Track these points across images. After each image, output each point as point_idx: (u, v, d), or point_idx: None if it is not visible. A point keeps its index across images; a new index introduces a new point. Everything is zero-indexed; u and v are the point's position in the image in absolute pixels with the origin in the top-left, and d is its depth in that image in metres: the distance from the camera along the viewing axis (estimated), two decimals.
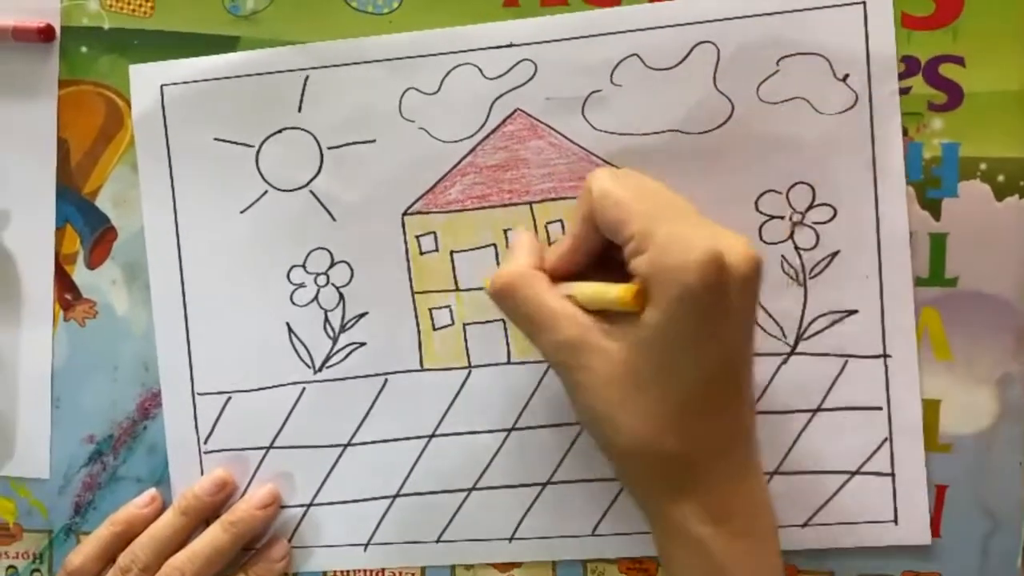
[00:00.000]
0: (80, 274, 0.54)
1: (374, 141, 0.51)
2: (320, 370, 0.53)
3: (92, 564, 0.52)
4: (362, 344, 0.52)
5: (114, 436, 0.55)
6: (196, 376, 0.53)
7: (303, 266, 0.53)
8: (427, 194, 0.51)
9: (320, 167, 0.52)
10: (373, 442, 0.52)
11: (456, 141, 0.51)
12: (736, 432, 0.42)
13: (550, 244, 0.51)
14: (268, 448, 0.53)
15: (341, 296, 0.52)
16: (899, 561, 0.50)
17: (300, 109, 0.52)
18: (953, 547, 0.50)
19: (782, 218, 0.49)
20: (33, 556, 0.56)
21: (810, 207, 0.49)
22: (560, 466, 0.51)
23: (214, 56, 0.52)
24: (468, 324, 0.52)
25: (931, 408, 0.49)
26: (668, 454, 0.40)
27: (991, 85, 0.48)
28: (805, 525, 0.50)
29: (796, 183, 0.49)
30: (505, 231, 0.51)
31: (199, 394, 0.53)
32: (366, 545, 0.53)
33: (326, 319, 0.53)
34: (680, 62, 0.49)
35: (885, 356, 0.49)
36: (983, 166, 0.48)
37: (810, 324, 0.50)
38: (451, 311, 0.52)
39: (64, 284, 0.55)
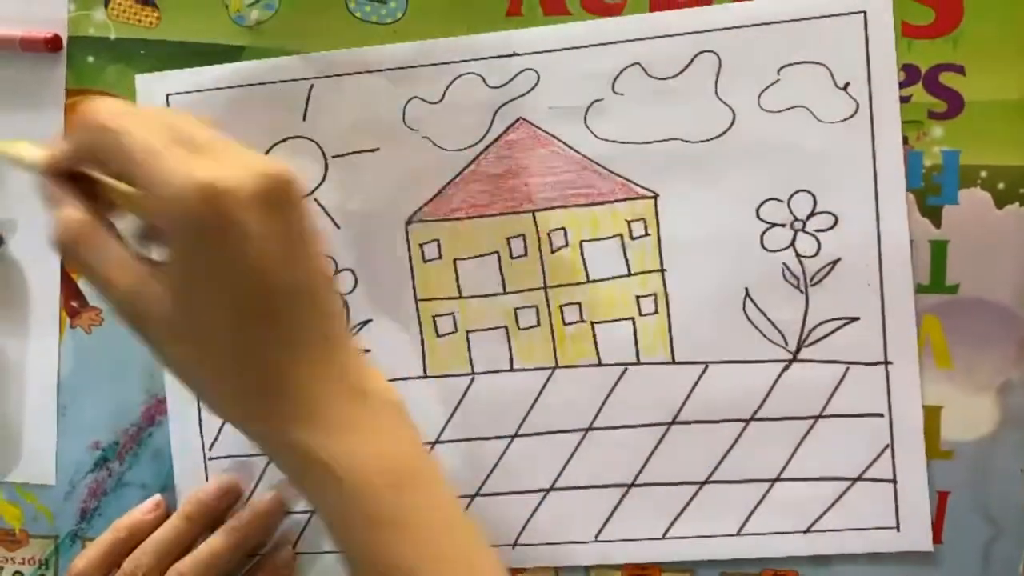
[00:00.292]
0: (86, 282, 0.55)
1: (378, 150, 0.52)
2: None
3: (96, 569, 0.52)
4: (366, 351, 0.53)
5: (120, 443, 0.55)
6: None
7: None
8: (430, 202, 0.52)
9: (324, 175, 0.52)
10: None
11: (459, 150, 0.51)
12: (316, 343, 0.38)
13: (552, 252, 0.51)
14: None
15: (345, 303, 0.53)
16: (901, 568, 0.50)
17: (305, 118, 0.52)
18: (955, 554, 0.50)
19: (783, 226, 0.50)
20: (39, 562, 0.56)
21: (811, 215, 0.49)
22: (563, 472, 0.52)
23: (219, 66, 0.52)
24: (471, 331, 0.52)
25: (932, 415, 0.49)
26: (260, 411, 0.38)
27: (991, 94, 0.48)
28: (807, 531, 0.50)
29: (797, 191, 0.49)
30: (508, 239, 0.51)
31: None
32: None
33: None
34: (682, 71, 0.50)
35: (886, 363, 0.49)
36: (983, 174, 0.49)
37: (811, 331, 0.50)
38: (454, 318, 0.52)
39: (70, 292, 0.55)
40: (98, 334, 0.55)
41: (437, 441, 0.52)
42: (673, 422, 0.51)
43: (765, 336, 0.50)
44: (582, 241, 0.51)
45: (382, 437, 0.39)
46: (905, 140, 0.49)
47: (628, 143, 0.50)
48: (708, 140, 0.50)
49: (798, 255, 0.50)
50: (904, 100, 0.49)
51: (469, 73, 0.51)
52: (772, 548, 0.50)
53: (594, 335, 0.51)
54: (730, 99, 0.49)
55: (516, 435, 0.52)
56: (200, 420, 0.54)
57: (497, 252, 0.52)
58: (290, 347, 0.38)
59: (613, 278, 0.51)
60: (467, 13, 0.51)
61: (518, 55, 0.50)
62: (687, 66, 0.50)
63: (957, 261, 0.49)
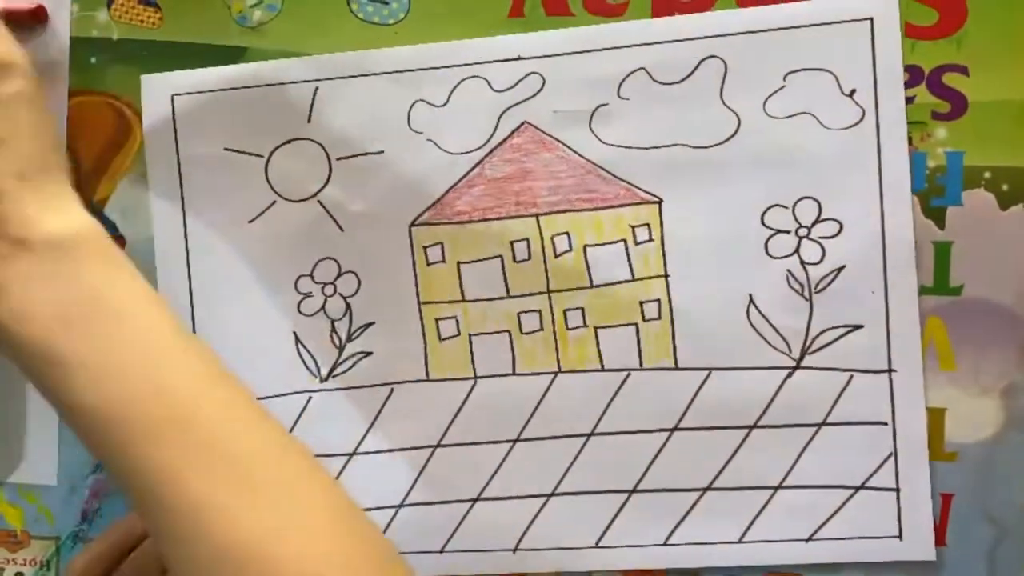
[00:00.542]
0: None
1: (382, 152, 0.52)
2: (326, 379, 0.53)
3: (95, 568, 0.52)
4: (368, 354, 0.53)
5: None
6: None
7: (311, 276, 0.53)
8: (435, 205, 0.52)
9: (329, 177, 0.52)
10: (378, 451, 0.53)
11: (464, 153, 0.51)
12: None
13: (556, 257, 0.51)
14: None
15: (348, 306, 0.53)
16: (904, 574, 0.50)
17: (310, 120, 0.52)
18: (959, 556, 0.50)
19: (788, 232, 0.50)
20: (40, 563, 0.56)
21: (816, 222, 0.49)
22: (565, 477, 0.52)
23: (225, 67, 0.52)
24: (474, 335, 0.52)
25: (936, 417, 0.49)
26: None
27: (995, 94, 0.48)
28: (809, 539, 0.50)
29: (802, 198, 0.49)
30: (512, 243, 0.51)
31: None
32: None
33: (333, 328, 0.53)
34: (687, 76, 0.49)
35: (890, 371, 0.49)
36: (987, 175, 0.49)
37: (815, 338, 0.50)
38: (457, 322, 0.52)
39: None
40: None
41: (439, 445, 0.52)
42: (676, 428, 0.51)
43: (769, 343, 0.50)
44: (586, 246, 0.51)
45: (45, 284, 0.36)
46: (909, 141, 0.49)
47: (633, 148, 0.50)
48: (713, 146, 0.49)
49: (802, 262, 0.50)
50: (908, 101, 0.49)
51: (474, 76, 0.51)
52: (774, 556, 0.50)
53: (597, 340, 0.51)
54: (735, 105, 0.49)
55: (518, 439, 0.52)
56: None
57: (501, 256, 0.51)
58: None
59: (617, 283, 0.51)
60: (469, 14, 0.51)
61: (523, 59, 0.50)
62: (693, 71, 0.49)
63: (961, 263, 0.49)
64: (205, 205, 0.53)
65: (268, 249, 0.53)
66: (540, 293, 0.51)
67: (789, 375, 0.50)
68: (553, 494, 0.52)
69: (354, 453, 0.53)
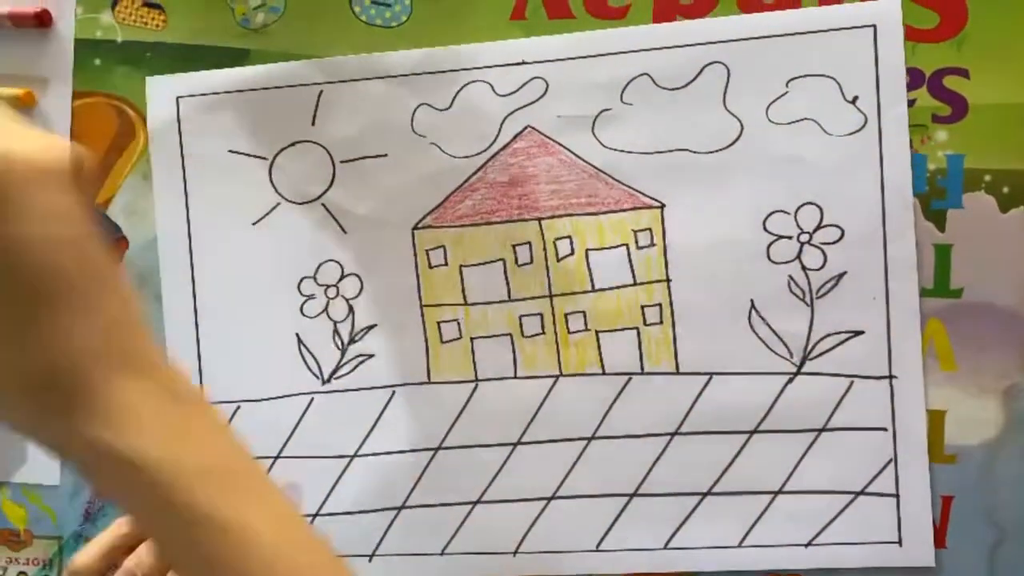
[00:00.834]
0: None
1: (386, 155, 0.52)
2: (328, 381, 0.53)
3: (96, 566, 0.52)
4: (370, 356, 0.53)
5: None
6: (206, 385, 0.54)
7: (313, 278, 0.53)
8: (437, 208, 0.52)
9: (332, 180, 0.52)
10: (380, 453, 0.53)
11: (467, 157, 0.51)
12: (111, 329, 0.34)
13: (558, 261, 0.51)
14: (276, 457, 0.53)
15: (350, 308, 0.53)
16: None
17: (314, 123, 0.52)
18: (960, 558, 0.50)
19: (790, 238, 0.50)
20: (43, 563, 0.56)
21: (818, 228, 0.49)
22: (565, 481, 0.52)
23: (230, 69, 0.52)
24: (476, 338, 0.52)
25: (936, 419, 0.49)
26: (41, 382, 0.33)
27: (996, 97, 0.48)
28: (809, 545, 0.50)
29: (804, 203, 0.49)
30: (514, 246, 0.51)
31: None
32: (371, 556, 0.53)
33: (335, 330, 0.53)
34: (690, 82, 0.50)
35: (891, 377, 0.49)
36: (988, 178, 0.49)
37: (816, 344, 0.50)
38: (459, 325, 0.52)
39: None
40: None
41: (440, 447, 0.52)
42: (676, 432, 0.51)
43: (770, 348, 0.50)
44: (588, 250, 0.51)
45: (201, 438, 0.35)
46: (909, 144, 0.49)
47: (636, 153, 0.50)
48: (716, 151, 0.50)
49: (804, 268, 0.50)
50: (908, 104, 0.49)
51: (478, 81, 0.51)
52: (774, 560, 0.50)
53: (598, 344, 0.51)
54: (738, 110, 0.49)
55: (519, 443, 0.52)
56: None
57: (503, 259, 0.52)
58: (79, 335, 0.33)
59: (618, 287, 0.51)
60: (471, 17, 0.51)
61: (527, 64, 0.50)
62: (696, 77, 0.49)
63: (961, 265, 0.49)
64: (209, 207, 0.53)
65: (271, 251, 0.53)
66: (542, 297, 0.52)
67: (790, 380, 0.50)
68: (554, 497, 0.52)
69: (355, 455, 0.53)
